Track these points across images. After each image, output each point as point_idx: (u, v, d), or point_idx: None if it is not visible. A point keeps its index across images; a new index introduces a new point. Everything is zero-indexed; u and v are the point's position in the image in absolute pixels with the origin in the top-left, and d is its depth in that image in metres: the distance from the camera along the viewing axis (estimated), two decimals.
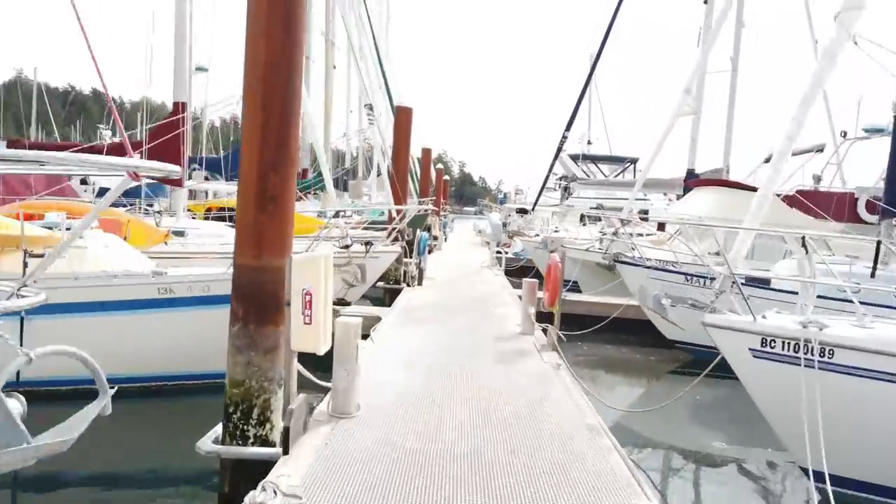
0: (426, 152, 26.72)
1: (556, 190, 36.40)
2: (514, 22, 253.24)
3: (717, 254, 15.36)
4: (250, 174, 4.99)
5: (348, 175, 37.05)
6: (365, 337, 8.86)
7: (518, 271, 21.55)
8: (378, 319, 10.18)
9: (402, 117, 15.27)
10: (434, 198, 33.72)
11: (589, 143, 44.11)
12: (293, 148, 5.16)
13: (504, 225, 29.01)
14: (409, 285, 14.12)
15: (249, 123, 5.03)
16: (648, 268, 11.20)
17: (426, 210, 20.01)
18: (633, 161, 34.22)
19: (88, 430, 3.29)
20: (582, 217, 22.16)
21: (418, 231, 14.97)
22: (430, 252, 24.24)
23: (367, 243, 12.63)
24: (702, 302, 5.97)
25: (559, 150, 23.85)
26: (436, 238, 26.94)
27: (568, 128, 23.46)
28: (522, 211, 30.38)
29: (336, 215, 9.39)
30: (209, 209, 14.44)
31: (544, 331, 9.01)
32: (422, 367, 7.39)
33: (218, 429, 4.81)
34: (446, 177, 42.41)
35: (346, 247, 8.95)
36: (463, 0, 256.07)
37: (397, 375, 6.96)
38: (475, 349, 8.44)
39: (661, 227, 14.50)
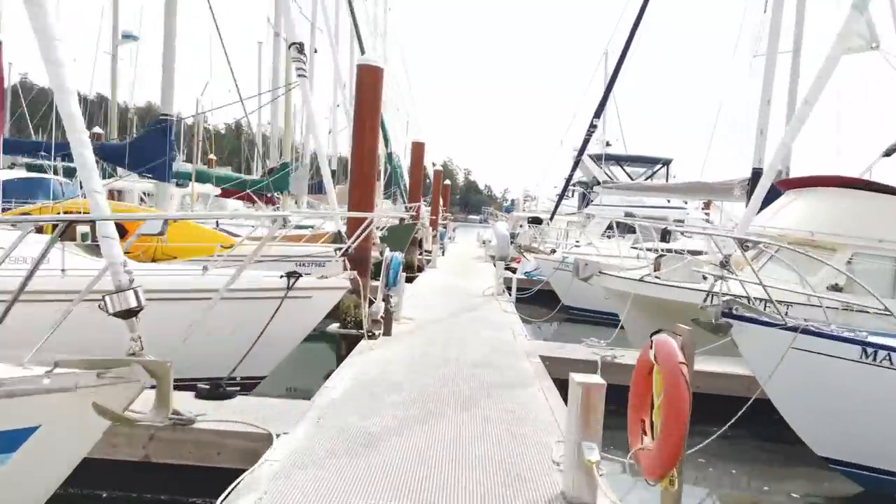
0: (417, 146, 21.48)
1: (570, 196, 31.32)
2: (520, 28, 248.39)
3: (836, 287, 10.27)
4: None
5: (335, 178, 31.91)
6: None
7: (533, 299, 16.29)
8: (268, 442, 4.99)
9: (368, 78, 10.09)
10: (430, 204, 28.65)
11: (608, 144, 39.12)
12: None
13: (512, 237, 23.82)
14: (369, 336, 8.95)
15: None
16: (792, 329, 5.97)
17: (410, 219, 14.90)
18: (667, 162, 28.92)
19: None
20: (666, 235, 17.00)
21: (387, 251, 9.77)
22: (420, 270, 19.11)
23: (291, 274, 7.52)
24: None
25: (586, 140, 18.72)
26: (429, 253, 21.81)
27: (597, 114, 18.36)
28: (536, 221, 25.13)
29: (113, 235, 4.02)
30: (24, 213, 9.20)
31: None
32: None
33: None
34: (447, 181, 37.24)
35: (132, 313, 3.39)
36: (468, 6, 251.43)
37: None
38: None
39: None
